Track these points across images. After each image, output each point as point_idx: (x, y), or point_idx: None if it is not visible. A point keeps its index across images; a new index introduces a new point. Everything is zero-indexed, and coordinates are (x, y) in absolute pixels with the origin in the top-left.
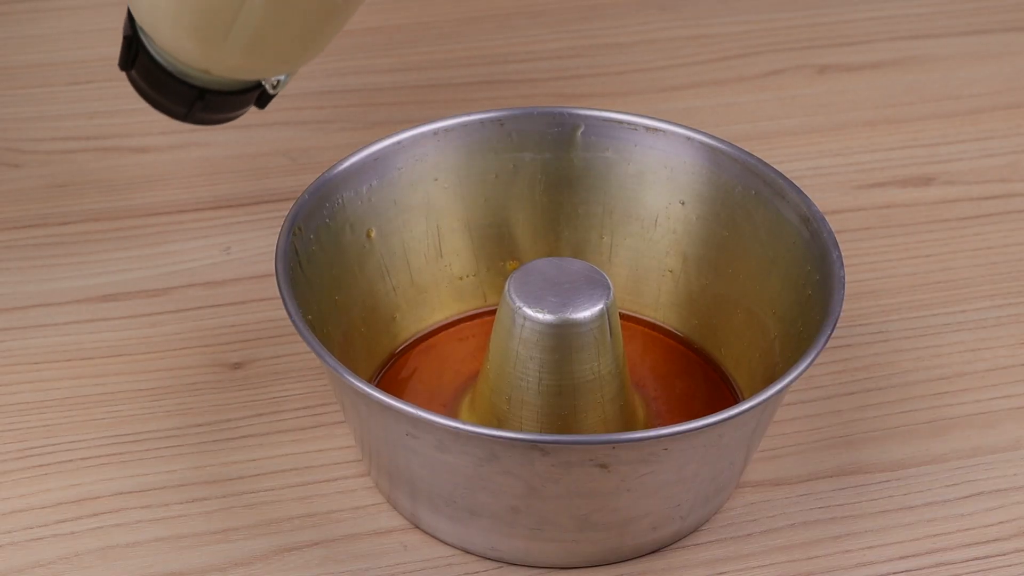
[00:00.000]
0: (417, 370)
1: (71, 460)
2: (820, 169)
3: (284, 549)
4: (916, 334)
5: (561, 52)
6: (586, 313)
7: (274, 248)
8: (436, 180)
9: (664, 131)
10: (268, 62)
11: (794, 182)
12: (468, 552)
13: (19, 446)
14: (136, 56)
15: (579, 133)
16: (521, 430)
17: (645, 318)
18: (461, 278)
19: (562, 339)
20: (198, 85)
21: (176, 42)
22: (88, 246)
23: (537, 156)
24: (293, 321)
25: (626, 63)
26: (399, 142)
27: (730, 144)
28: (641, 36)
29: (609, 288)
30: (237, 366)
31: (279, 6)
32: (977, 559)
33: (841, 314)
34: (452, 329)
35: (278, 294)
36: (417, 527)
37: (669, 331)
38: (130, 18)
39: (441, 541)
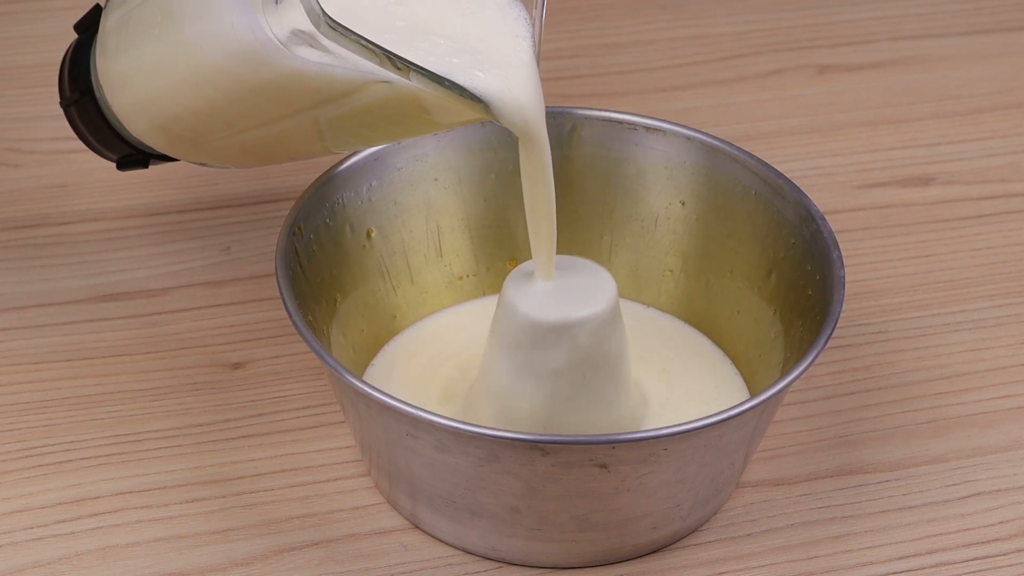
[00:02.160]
0: None
1: (71, 460)
2: (820, 169)
3: (284, 549)
4: (916, 334)
5: (561, 52)
6: (587, 312)
7: (274, 248)
8: (436, 180)
9: (664, 131)
10: (233, 164)
11: (794, 182)
12: (468, 552)
13: (19, 446)
14: (82, 104)
15: (579, 133)
16: (521, 430)
17: None
18: (461, 278)
19: (563, 339)
20: (145, 151)
21: (152, 140)
22: (88, 246)
23: None
24: (293, 321)
25: (626, 63)
26: (399, 142)
27: (730, 144)
28: (641, 36)
29: (612, 286)
30: (237, 366)
31: (262, 144)
32: (977, 559)
33: (841, 314)
34: None
35: (278, 294)
36: (417, 527)
37: None
38: (83, 67)
39: (441, 541)
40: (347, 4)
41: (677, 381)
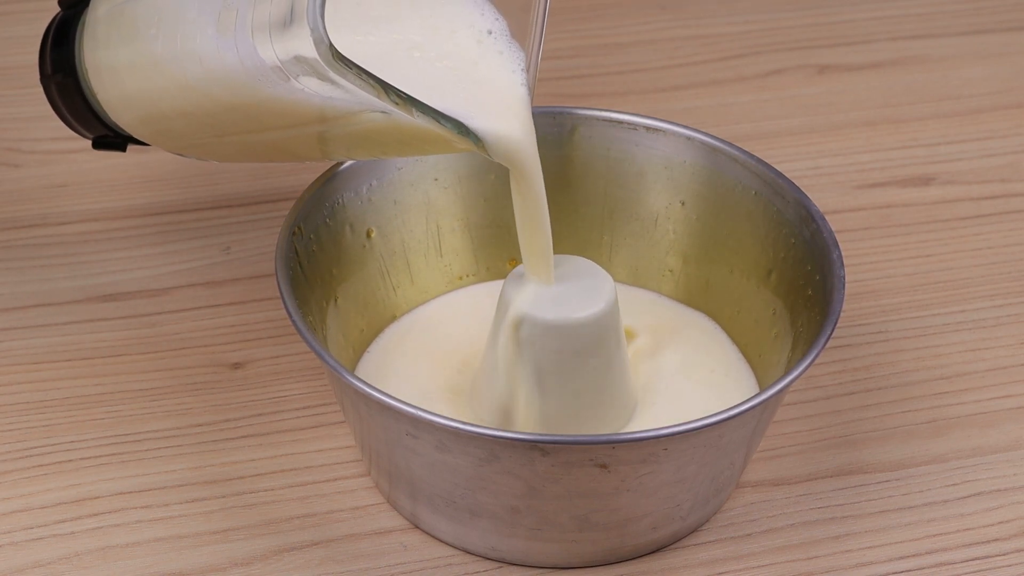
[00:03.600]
0: None
1: (71, 460)
2: (820, 169)
3: (284, 549)
4: (916, 334)
5: (561, 52)
6: (586, 312)
7: (274, 248)
8: (436, 180)
9: (664, 131)
10: (216, 159)
11: (794, 182)
12: (468, 552)
13: (19, 446)
14: (65, 85)
15: (579, 133)
16: (521, 430)
17: None
18: (461, 278)
19: (562, 339)
20: (123, 135)
21: (135, 131)
22: (88, 246)
23: None
24: (293, 321)
25: (626, 63)
26: None
27: (730, 144)
28: (641, 36)
29: (610, 287)
30: (237, 366)
31: (250, 148)
32: (977, 559)
33: (841, 314)
34: None
35: (278, 294)
36: (417, 527)
37: None
38: (68, 45)
39: (441, 541)
40: (346, 36)
41: (681, 371)
